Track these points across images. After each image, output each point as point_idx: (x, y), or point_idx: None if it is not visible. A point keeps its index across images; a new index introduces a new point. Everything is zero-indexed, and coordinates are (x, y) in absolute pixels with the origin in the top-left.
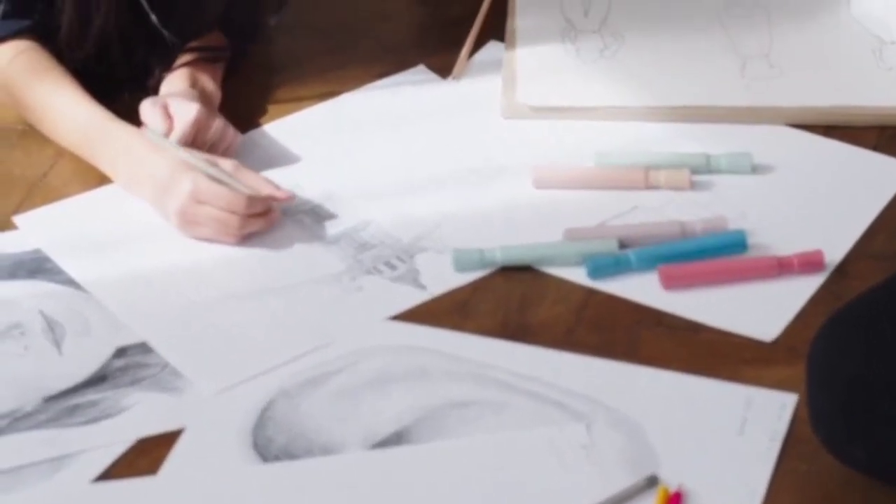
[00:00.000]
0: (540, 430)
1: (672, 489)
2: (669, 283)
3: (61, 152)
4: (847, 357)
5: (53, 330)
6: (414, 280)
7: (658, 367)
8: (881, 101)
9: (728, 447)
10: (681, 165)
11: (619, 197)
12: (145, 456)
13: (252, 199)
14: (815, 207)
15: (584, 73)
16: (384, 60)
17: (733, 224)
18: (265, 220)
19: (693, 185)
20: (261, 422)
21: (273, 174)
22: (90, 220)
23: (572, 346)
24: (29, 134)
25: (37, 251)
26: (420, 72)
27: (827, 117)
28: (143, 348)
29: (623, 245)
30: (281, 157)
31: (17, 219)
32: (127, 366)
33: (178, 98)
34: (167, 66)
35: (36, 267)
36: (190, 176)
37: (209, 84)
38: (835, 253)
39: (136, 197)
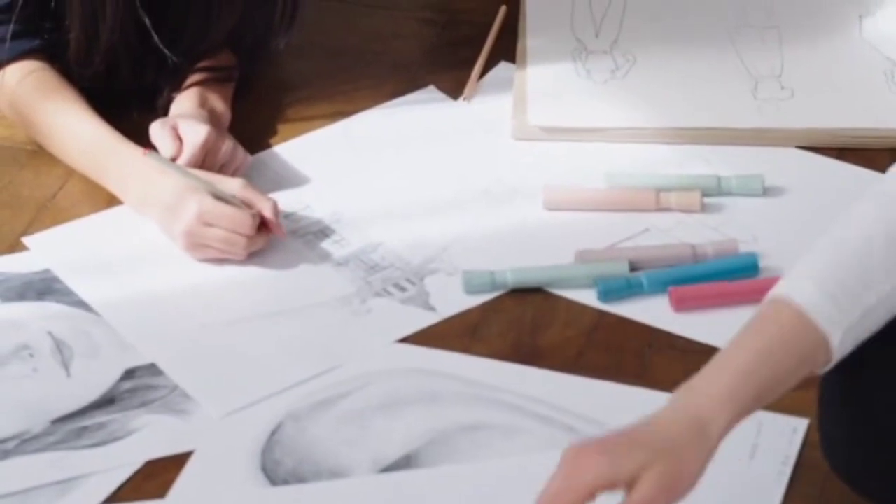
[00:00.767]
0: (550, 454)
1: None
2: (680, 305)
3: (70, 172)
4: (860, 383)
5: (62, 351)
6: (424, 302)
7: (669, 391)
8: (893, 124)
9: (739, 472)
10: (692, 187)
11: (629, 218)
12: (153, 479)
13: (256, 218)
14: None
15: (594, 95)
16: (394, 81)
17: (744, 246)
18: (268, 237)
19: (704, 207)
20: (269, 445)
21: (283, 195)
22: (99, 242)
23: (583, 369)
24: (38, 154)
25: (46, 272)
26: (430, 92)
27: (838, 139)
28: (152, 370)
29: (634, 267)
30: (291, 178)
31: (27, 240)
32: (135, 388)
33: (187, 120)
34: (176, 86)
35: (45, 288)
36: (196, 198)
37: (219, 104)
38: None
39: (145, 217)
